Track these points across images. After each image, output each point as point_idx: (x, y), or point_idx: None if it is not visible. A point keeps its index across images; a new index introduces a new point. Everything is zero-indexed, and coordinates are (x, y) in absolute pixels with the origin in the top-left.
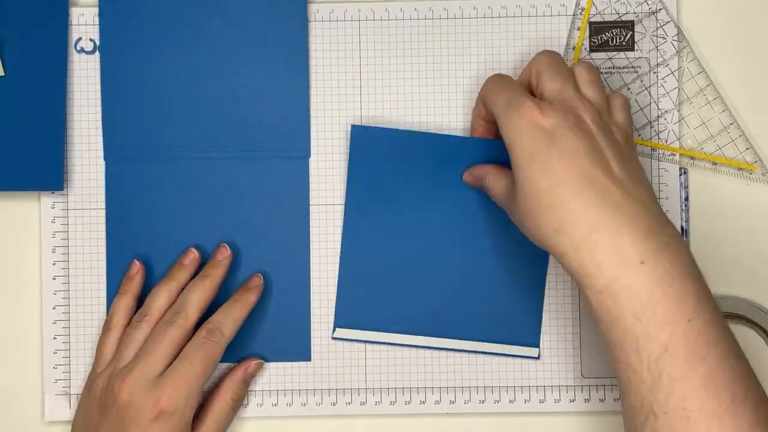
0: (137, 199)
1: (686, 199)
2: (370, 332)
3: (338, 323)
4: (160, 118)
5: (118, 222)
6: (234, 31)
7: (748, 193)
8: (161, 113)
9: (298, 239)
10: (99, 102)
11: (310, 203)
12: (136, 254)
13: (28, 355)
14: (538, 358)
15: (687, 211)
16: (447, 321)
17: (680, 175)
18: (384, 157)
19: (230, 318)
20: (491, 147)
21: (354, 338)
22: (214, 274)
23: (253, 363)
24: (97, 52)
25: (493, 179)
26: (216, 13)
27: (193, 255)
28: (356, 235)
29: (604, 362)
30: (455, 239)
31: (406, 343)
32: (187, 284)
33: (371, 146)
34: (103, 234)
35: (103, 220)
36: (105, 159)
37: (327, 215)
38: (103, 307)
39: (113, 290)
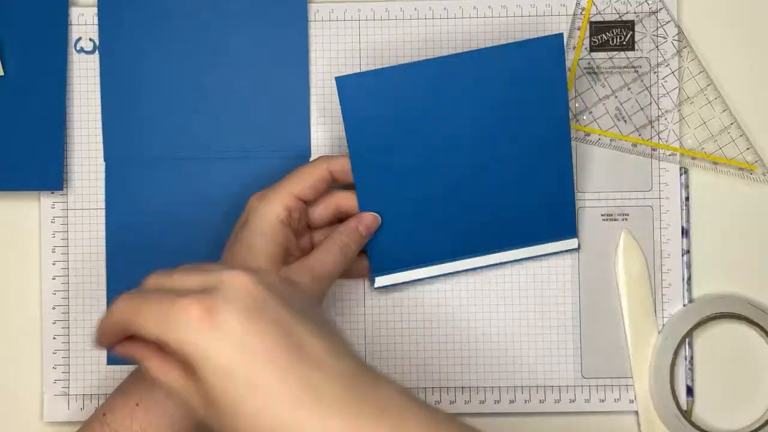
0: (137, 199)
1: (687, 199)
2: (410, 271)
3: (375, 271)
4: (160, 118)
5: (118, 222)
6: (234, 31)
7: (749, 193)
8: (161, 113)
9: None
10: (99, 102)
11: None
12: (135, 254)
13: (28, 355)
14: (578, 249)
15: (687, 211)
16: (482, 235)
17: (681, 175)
18: (380, 101)
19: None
20: (493, 54)
21: (395, 282)
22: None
23: (368, 214)
24: (97, 52)
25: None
26: (216, 13)
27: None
28: (370, 183)
29: (604, 362)
30: (473, 151)
31: (447, 272)
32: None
33: (363, 95)
34: (103, 234)
35: (103, 220)
36: (105, 159)
37: None
38: (103, 307)
39: (113, 290)
